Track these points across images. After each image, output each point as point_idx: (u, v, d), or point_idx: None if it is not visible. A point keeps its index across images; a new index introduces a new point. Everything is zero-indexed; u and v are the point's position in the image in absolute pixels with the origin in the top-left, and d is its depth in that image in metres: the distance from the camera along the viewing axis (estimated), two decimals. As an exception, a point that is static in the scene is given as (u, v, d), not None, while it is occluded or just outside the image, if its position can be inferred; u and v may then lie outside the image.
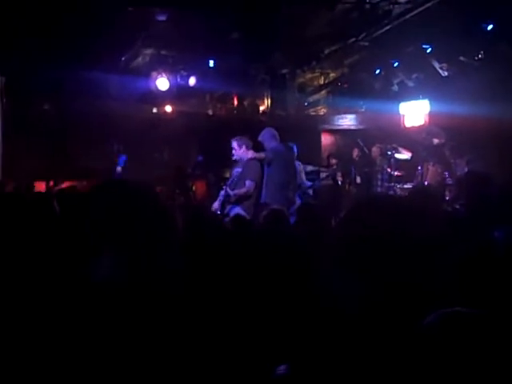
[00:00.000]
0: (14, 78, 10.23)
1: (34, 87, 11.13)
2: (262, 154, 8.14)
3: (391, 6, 8.98)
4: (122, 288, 1.61)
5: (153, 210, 1.73)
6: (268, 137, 8.41)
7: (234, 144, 8.15)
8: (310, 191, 10.03)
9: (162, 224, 1.72)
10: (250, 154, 8.13)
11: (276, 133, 8.47)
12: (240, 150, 8.13)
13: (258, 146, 8.35)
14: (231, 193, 8.08)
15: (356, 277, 1.43)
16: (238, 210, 7.75)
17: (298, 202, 9.42)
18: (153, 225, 1.69)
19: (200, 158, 9.32)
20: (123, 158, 9.25)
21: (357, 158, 11.49)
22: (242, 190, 7.99)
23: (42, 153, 12.37)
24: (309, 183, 9.93)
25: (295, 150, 8.87)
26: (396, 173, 10.51)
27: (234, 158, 8.18)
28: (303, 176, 9.79)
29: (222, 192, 8.25)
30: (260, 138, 8.46)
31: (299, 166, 9.51)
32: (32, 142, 12.08)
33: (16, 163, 10.84)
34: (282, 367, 1.62)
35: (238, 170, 8.22)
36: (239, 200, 7.98)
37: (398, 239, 1.43)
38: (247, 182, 7.96)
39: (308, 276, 2.89)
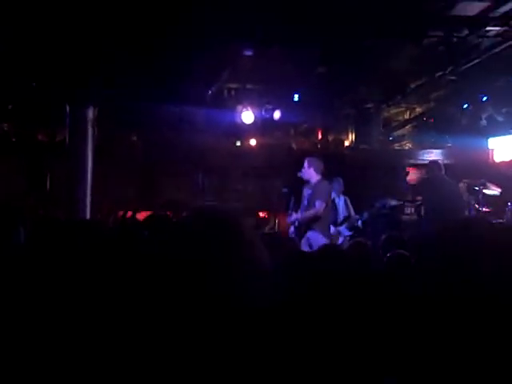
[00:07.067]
0: (104, 109, 10.62)
1: (123, 119, 11.49)
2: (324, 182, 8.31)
3: (480, 40, 8.82)
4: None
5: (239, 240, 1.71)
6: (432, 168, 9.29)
7: (305, 163, 8.23)
8: (359, 223, 10.41)
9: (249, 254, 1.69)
10: (316, 176, 8.17)
11: (441, 165, 9.27)
12: (308, 170, 8.19)
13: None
14: (297, 216, 8.16)
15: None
16: (314, 234, 7.77)
17: (346, 233, 9.75)
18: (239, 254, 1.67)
19: (285, 190, 9.37)
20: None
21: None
22: (311, 212, 8.01)
23: (129, 183, 12.71)
24: (357, 216, 10.46)
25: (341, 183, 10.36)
26: (484, 209, 10.20)
27: (299, 174, 8.27)
28: (351, 208, 10.48)
29: (292, 218, 8.32)
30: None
31: (345, 198, 10.52)
32: (119, 172, 12.44)
33: (104, 193, 11.14)
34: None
35: (308, 191, 8.24)
36: (311, 222, 7.98)
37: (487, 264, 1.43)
38: (317, 203, 7.96)
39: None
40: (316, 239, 7.76)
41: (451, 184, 9.11)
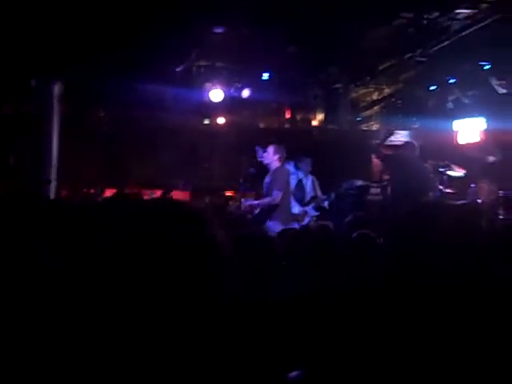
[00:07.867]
0: (72, 85, 10.45)
1: (90, 95, 11.34)
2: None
3: (450, 22, 8.86)
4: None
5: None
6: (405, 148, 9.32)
7: (271, 148, 8.22)
8: (326, 204, 10.50)
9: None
10: (277, 164, 8.21)
11: (415, 146, 9.23)
12: (272, 156, 8.19)
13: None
14: (253, 202, 8.22)
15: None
16: (274, 225, 7.73)
17: (313, 213, 9.79)
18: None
19: (252, 170, 9.36)
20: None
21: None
22: (266, 200, 8.07)
23: (95, 160, 12.58)
24: (324, 196, 10.55)
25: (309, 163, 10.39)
26: (448, 190, 10.32)
27: (260, 158, 8.30)
28: (318, 188, 10.56)
29: (246, 203, 8.34)
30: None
31: (313, 178, 10.55)
32: (85, 148, 12.30)
33: (69, 168, 10.99)
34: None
35: (267, 179, 8.25)
36: (270, 212, 7.98)
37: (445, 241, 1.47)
38: (274, 192, 8.00)
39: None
40: (276, 230, 7.78)
41: (419, 165, 9.17)
